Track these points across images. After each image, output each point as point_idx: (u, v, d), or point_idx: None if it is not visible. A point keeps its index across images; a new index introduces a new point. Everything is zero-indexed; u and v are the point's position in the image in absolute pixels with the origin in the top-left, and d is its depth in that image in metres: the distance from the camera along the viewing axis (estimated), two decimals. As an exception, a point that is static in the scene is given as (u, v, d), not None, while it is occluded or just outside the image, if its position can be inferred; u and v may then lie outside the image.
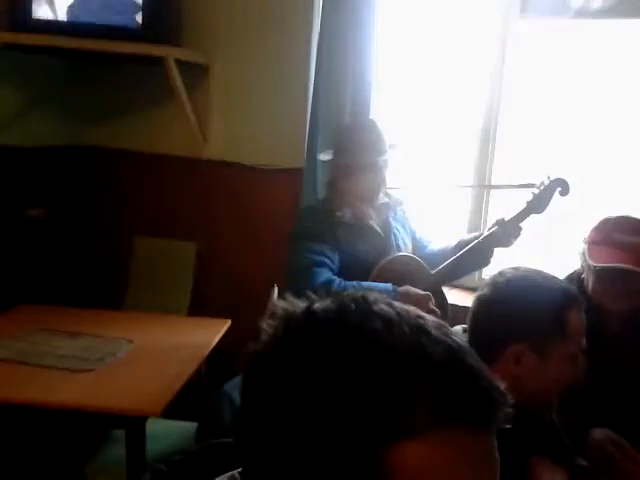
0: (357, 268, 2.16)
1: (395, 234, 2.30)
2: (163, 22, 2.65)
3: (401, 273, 2.17)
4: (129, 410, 1.80)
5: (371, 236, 2.22)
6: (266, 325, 0.60)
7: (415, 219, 2.44)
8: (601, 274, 1.68)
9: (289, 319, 0.59)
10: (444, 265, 2.23)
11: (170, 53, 2.61)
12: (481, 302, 1.26)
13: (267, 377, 0.57)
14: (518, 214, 2.15)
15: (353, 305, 0.58)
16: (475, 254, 2.18)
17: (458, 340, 0.57)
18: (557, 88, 2.70)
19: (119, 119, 3.05)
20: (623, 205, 2.47)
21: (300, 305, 0.60)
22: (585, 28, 2.63)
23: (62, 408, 1.84)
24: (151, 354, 2.13)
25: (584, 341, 1.22)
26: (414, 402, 0.51)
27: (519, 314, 1.19)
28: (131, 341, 2.19)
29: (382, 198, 2.30)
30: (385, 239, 2.25)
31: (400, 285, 2.10)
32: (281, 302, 0.61)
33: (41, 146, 2.80)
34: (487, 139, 2.75)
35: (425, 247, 2.38)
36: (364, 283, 2.10)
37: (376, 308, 0.57)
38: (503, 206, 2.67)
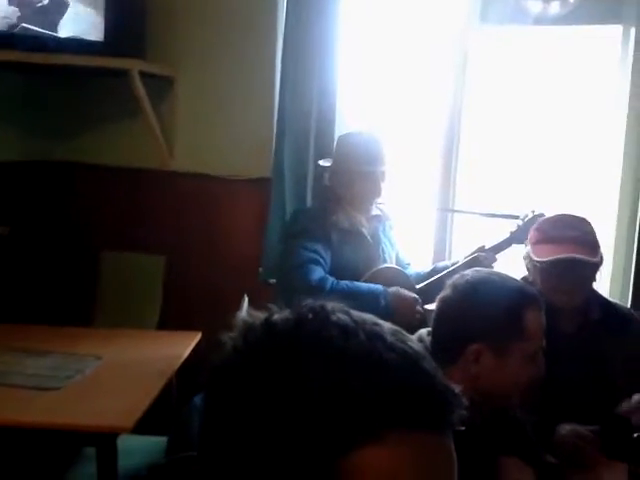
0: (343, 274, 2.19)
1: (383, 247, 2.35)
2: (126, 34, 2.64)
3: (390, 283, 2.21)
4: (99, 427, 1.78)
5: (361, 244, 2.26)
6: (227, 338, 0.60)
7: (399, 239, 2.49)
8: (548, 270, 1.71)
9: (248, 331, 0.59)
10: (428, 282, 2.28)
11: (134, 65, 2.61)
12: (443, 304, 1.29)
13: (227, 389, 0.57)
14: (500, 242, 2.22)
15: (311, 315, 0.58)
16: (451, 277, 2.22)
17: (414, 346, 0.58)
18: (519, 94, 2.76)
19: (84, 133, 3.02)
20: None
21: (259, 317, 0.60)
22: (544, 35, 2.69)
23: (31, 427, 1.82)
24: (120, 370, 2.11)
25: (544, 340, 1.25)
26: (370, 408, 0.52)
27: (477, 314, 1.22)
28: (100, 358, 2.17)
29: (374, 210, 2.35)
30: (374, 249, 2.29)
31: None
32: (241, 315, 0.62)
33: (4, 162, 2.76)
34: (450, 153, 2.77)
35: (404, 268, 2.42)
36: (357, 283, 2.15)
37: (333, 317, 0.58)
38: (467, 231, 2.74)
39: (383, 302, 2.08)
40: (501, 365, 1.20)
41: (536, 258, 1.73)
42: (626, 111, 2.57)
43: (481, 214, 2.48)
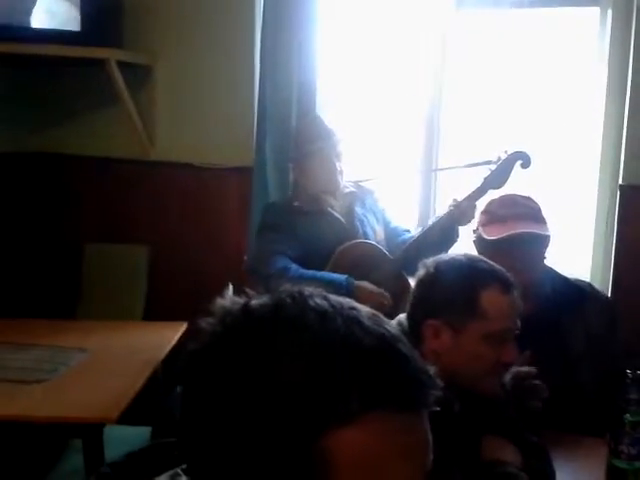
0: (319, 254, 2.21)
1: (362, 221, 2.33)
2: (103, 24, 2.62)
3: (359, 260, 2.21)
4: (84, 418, 1.78)
5: (330, 223, 2.27)
6: (205, 324, 0.60)
7: (389, 209, 2.48)
8: (501, 248, 1.68)
9: (226, 316, 0.60)
10: (402, 250, 2.25)
11: (111, 55, 2.59)
12: (414, 284, 1.32)
13: (204, 372, 0.58)
14: (473, 192, 2.15)
15: (289, 300, 0.59)
16: (433, 236, 2.18)
17: (390, 329, 0.59)
18: (498, 77, 2.76)
19: (62, 124, 2.99)
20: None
21: (238, 302, 0.61)
22: (521, 18, 2.70)
23: (17, 420, 1.82)
24: (105, 361, 2.11)
25: (512, 323, 1.24)
26: (346, 390, 0.53)
27: (434, 291, 1.25)
28: (84, 350, 2.16)
29: (346, 188, 2.35)
30: (347, 226, 2.29)
31: (358, 272, 2.15)
32: (219, 300, 0.62)
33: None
34: (432, 130, 2.79)
35: (400, 236, 2.40)
36: (319, 273, 2.15)
37: (311, 302, 0.58)
38: (452, 189, 2.70)
39: (341, 291, 2.05)
40: (457, 343, 1.22)
41: (488, 237, 1.72)
42: (604, 92, 2.59)
43: (458, 167, 2.42)
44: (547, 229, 1.74)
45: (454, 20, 2.71)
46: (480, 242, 1.78)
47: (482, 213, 1.83)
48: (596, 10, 2.61)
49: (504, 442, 1.34)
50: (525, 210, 1.75)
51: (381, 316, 0.61)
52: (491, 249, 1.70)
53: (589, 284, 1.93)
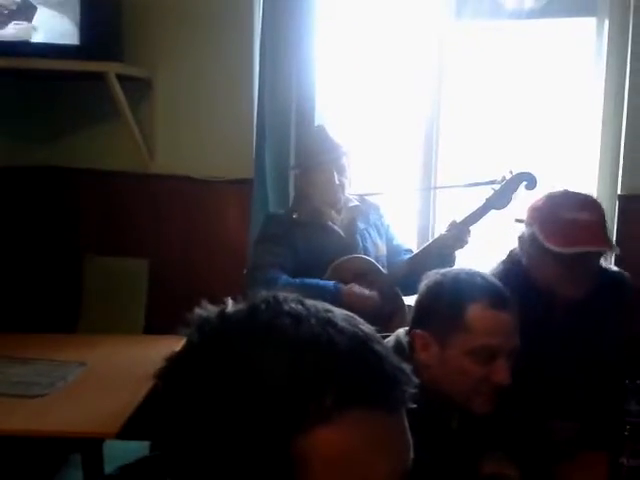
0: (317, 267, 2.21)
1: (363, 236, 2.33)
2: (102, 37, 2.64)
3: (355, 273, 2.21)
4: (83, 433, 1.77)
5: (329, 236, 2.27)
6: (184, 333, 0.61)
7: (394, 226, 2.47)
8: (564, 260, 1.49)
9: (203, 323, 0.61)
10: (397, 267, 2.26)
11: (111, 68, 2.61)
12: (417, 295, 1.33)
13: (182, 379, 0.59)
14: (474, 212, 2.11)
15: (263, 305, 0.60)
16: (427, 257, 2.16)
17: (365, 328, 0.60)
18: (496, 88, 2.77)
19: (63, 138, 3.00)
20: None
21: (214, 310, 0.62)
22: (519, 29, 2.71)
23: (16, 435, 1.82)
24: (105, 375, 2.11)
25: (500, 341, 1.20)
26: (321, 389, 0.54)
27: (425, 303, 1.27)
28: (84, 363, 2.16)
29: (350, 201, 2.35)
30: (347, 240, 2.29)
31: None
32: (197, 310, 0.63)
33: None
34: (430, 142, 2.79)
35: (400, 255, 2.38)
36: (307, 280, 2.16)
37: (286, 306, 0.60)
38: (453, 208, 2.71)
39: (329, 297, 2.01)
40: (444, 356, 1.21)
41: (554, 248, 1.49)
42: (602, 102, 2.59)
43: (462, 186, 2.37)
44: (612, 240, 1.58)
45: (452, 31, 2.72)
46: (535, 245, 1.54)
47: (538, 209, 1.56)
48: (593, 20, 2.62)
49: (503, 457, 1.33)
50: (593, 218, 1.52)
51: (356, 317, 0.62)
52: (553, 259, 1.50)
53: (620, 271, 1.73)
